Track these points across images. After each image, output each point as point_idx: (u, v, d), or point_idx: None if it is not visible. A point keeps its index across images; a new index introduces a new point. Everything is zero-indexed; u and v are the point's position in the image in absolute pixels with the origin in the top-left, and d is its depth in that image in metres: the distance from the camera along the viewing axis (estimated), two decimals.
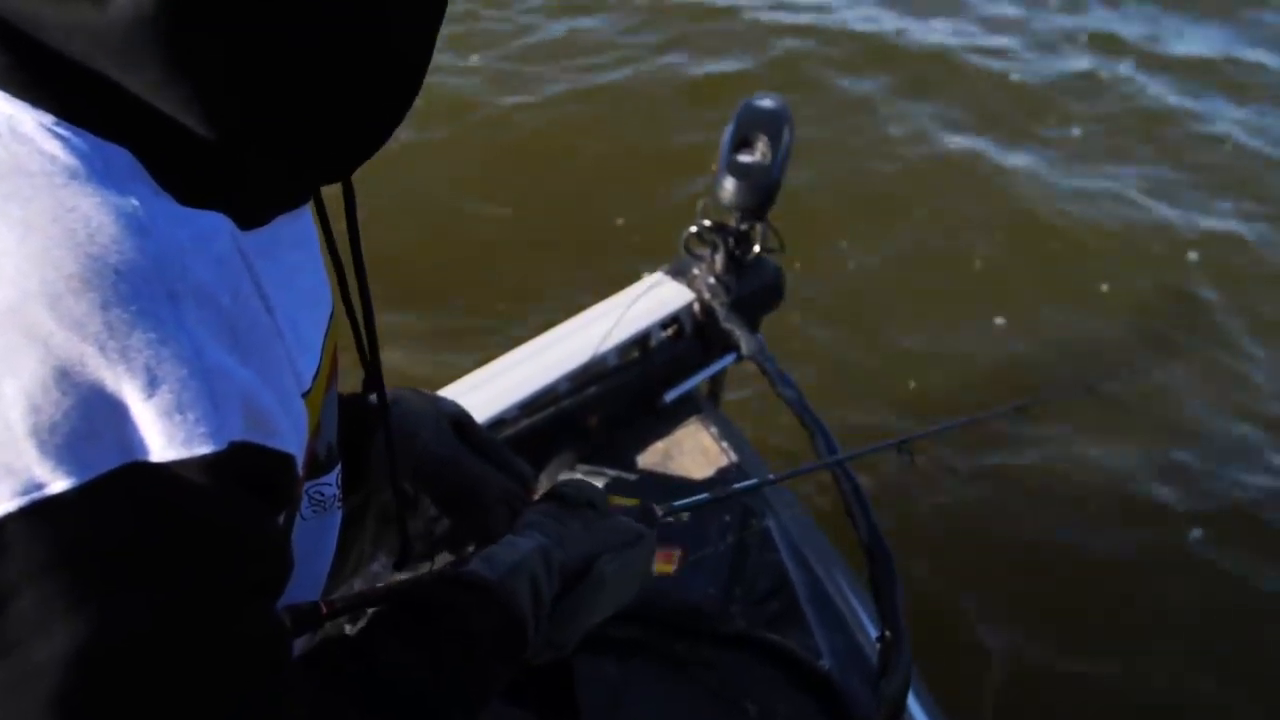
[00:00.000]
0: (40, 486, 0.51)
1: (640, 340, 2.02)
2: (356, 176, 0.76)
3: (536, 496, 1.02)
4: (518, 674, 0.83)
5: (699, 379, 2.07)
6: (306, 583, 0.82)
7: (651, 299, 2.04)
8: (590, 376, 1.95)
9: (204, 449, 0.54)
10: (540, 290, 3.29)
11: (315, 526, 0.81)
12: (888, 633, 1.35)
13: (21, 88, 0.57)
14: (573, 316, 2.05)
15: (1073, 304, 3.58)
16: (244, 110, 0.60)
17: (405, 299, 3.19)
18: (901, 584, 1.40)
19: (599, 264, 3.27)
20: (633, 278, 2.14)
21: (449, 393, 1.76)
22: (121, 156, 0.58)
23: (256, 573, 0.60)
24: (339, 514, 0.85)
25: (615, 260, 3.21)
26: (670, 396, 2.02)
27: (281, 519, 0.67)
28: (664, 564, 1.59)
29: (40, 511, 0.51)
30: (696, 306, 2.05)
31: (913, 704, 1.59)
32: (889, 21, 5.04)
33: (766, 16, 5.00)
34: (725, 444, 1.94)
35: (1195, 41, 5.05)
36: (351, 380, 0.92)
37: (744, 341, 1.93)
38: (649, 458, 1.94)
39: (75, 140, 0.57)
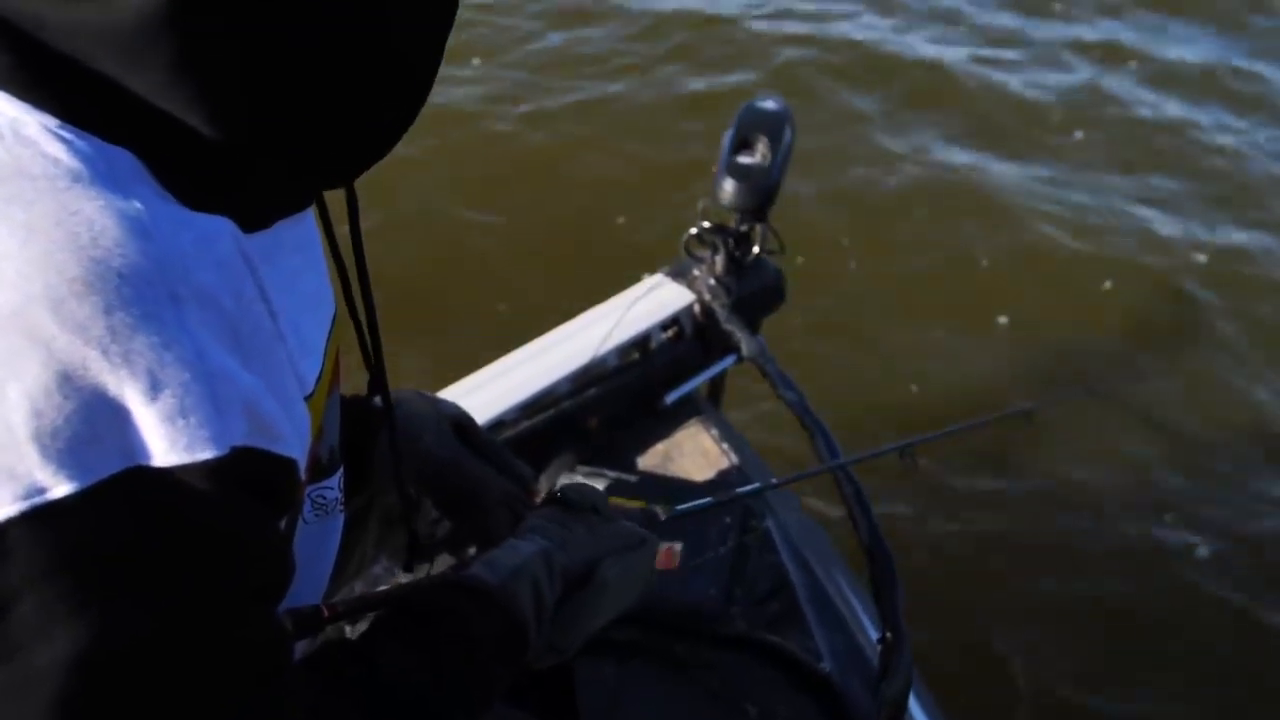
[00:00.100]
0: (42, 491, 0.51)
1: (640, 342, 2.02)
2: (357, 185, 0.76)
3: (537, 499, 1.02)
4: (519, 677, 0.83)
5: (699, 380, 2.06)
6: (308, 586, 0.82)
7: (652, 300, 2.04)
8: (590, 378, 1.95)
9: (206, 454, 0.54)
10: (539, 297, 3.28)
11: (317, 530, 0.81)
12: (888, 635, 1.35)
13: (24, 88, 0.57)
14: (573, 318, 2.04)
15: (1074, 309, 3.58)
16: (249, 110, 0.60)
17: (404, 304, 3.18)
18: (902, 586, 1.39)
19: (599, 272, 3.26)
20: (632, 285, 2.14)
21: (449, 394, 1.75)
22: (124, 159, 0.58)
23: (258, 578, 0.60)
24: (341, 517, 0.85)
25: (615, 268, 3.20)
26: (671, 398, 2.02)
27: (284, 523, 0.67)
28: (665, 560, 1.59)
29: (42, 516, 0.51)
30: (697, 308, 2.04)
31: (913, 706, 1.59)
32: (889, 32, 5.03)
33: (767, 27, 4.99)
34: (726, 445, 1.94)
35: (1196, 51, 5.05)
36: (351, 383, 0.92)
37: (744, 343, 1.92)
38: (649, 459, 1.93)
39: (78, 143, 0.57)
